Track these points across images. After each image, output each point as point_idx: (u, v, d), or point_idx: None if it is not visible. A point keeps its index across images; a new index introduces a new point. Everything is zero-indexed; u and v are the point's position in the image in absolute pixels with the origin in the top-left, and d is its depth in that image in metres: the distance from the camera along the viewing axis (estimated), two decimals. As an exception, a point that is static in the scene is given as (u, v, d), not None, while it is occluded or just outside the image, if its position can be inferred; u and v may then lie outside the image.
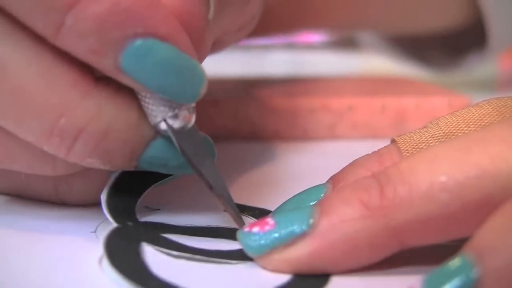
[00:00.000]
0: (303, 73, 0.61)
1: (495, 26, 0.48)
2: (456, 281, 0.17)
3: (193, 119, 0.22)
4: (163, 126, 0.22)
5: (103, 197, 0.23)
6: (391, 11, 0.50)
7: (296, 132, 0.37)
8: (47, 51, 0.21)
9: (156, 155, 0.22)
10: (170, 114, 0.22)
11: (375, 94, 0.39)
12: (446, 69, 0.54)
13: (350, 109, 0.37)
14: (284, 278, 0.21)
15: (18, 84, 0.21)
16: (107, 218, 0.23)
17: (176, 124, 0.22)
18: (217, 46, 0.29)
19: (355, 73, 0.63)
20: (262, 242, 0.21)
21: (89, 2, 0.20)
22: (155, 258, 0.21)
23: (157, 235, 0.23)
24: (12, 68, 0.20)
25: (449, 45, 0.54)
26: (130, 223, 0.23)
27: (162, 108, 0.22)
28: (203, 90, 0.22)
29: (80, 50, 0.20)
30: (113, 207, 0.23)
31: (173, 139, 0.22)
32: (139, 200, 0.24)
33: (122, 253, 0.21)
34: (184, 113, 0.22)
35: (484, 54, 0.51)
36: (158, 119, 0.22)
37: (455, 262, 0.18)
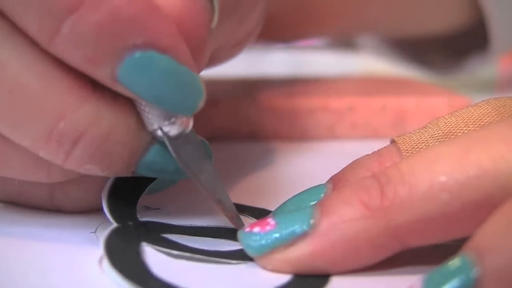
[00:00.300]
0: (303, 73, 0.61)
1: (497, 28, 0.48)
2: (456, 281, 0.17)
3: (190, 124, 0.22)
4: (159, 133, 0.22)
5: (104, 196, 0.23)
6: (391, 13, 0.50)
7: (296, 132, 0.37)
8: (47, 54, 0.20)
9: (154, 160, 0.22)
10: (166, 122, 0.22)
11: (375, 94, 0.39)
12: (447, 72, 0.54)
13: (350, 109, 0.37)
14: (284, 278, 0.21)
15: (16, 87, 0.20)
16: (107, 218, 0.23)
17: (174, 130, 0.22)
18: (211, 61, 0.28)
19: (355, 73, 0.63)
20: (263, 242, 0.21)
21: (88, 10, 0.19)
22: (155, 259, 0.21)
23: (157, 235, 0.23)
24: (9, 70, 0.20)
25: (450, 48, 0.54)
26: (130, 223, 0.23)
27: (158, 117, 0.22)
28: (201, 103, 0.21)
29: (75, 58, 0.20)
30: (113, 206, 0.23)
31: (169, 147, 0.22)
32: (140, 199, 0.24)
33: (122, 254, 0.21)
34: (181, 119, 0.22)
35: (485, 56, 0.51)
36: (155, 126, 0.22)
37: (455, 262, 0.18)
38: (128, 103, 0.22)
